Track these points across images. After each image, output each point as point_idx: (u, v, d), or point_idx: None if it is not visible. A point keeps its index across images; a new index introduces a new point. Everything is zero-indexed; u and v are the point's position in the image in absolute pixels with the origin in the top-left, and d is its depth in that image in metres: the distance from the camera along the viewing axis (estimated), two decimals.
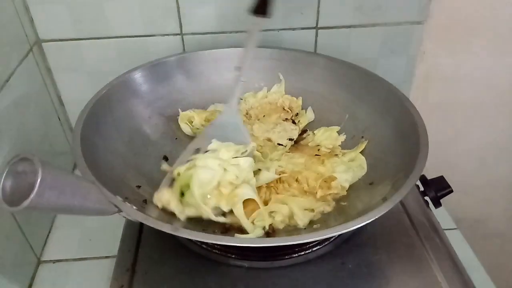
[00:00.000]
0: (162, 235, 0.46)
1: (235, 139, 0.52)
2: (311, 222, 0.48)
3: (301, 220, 0.47)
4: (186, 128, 0.60)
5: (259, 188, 0.52)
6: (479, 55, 0.75)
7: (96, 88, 0.55)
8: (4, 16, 0.55)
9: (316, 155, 0.57)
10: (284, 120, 0.62)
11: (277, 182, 0.53)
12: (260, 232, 0.46)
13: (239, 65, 0.53)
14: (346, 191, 0.52)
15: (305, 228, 0.47)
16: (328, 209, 0.50)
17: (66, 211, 0.36)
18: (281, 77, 0.65)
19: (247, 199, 0.48)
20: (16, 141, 0.54)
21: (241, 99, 0.65)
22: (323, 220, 0.48)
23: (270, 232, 0.47)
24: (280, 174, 0.53)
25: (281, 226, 0.47)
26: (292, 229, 0.47)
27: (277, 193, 0.51)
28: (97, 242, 0.60)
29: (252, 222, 0.47)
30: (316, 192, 0.51)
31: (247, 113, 0.64)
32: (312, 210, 0.49)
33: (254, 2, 0.49)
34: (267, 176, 0.52)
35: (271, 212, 0.48)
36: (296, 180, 0.53)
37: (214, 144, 0.52)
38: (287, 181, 0.53)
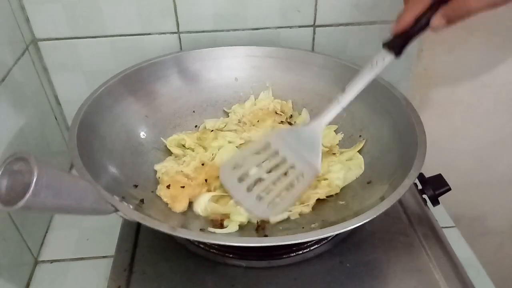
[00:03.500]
0: (159, 235, 0.46)
1: (304, 156, 0.46)
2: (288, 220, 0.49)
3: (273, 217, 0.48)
4: (176, 151, 0.58)
5: None
6: (477, 53, 0.75)
7: (93, 87, 0.55)
8: (0, 15, 0.55)
9: None
10: (279, 123, 0.62)
11: None
12: (236, 227, 0.47)
13: (346, 89, 0.47)
14: (345, 190, 0.52)
15: (303, 227, 0.47)
16: (305, 210, 0.50)
17: (63, 211, 0.36)
18: (268, 84, 0.65)
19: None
20: (13, 141, 0.54)
21: (230, 112, 0.64)
22: (321, 219, 0.48)
23: (261, 230, 0.47)
24: None
25: (254, 221, 0.48)
26: (289, 229, 0.47)
27: None
28: (94, 242, 0.59)
29: (228, 217, 0.48)
30: None
31: (239, 122, 0.63)
32: (289, 211, 0.49)
33: (392, 38, 0.46)
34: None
35: None
36: None
37: None
38: None
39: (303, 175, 0.45)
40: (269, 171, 0.46)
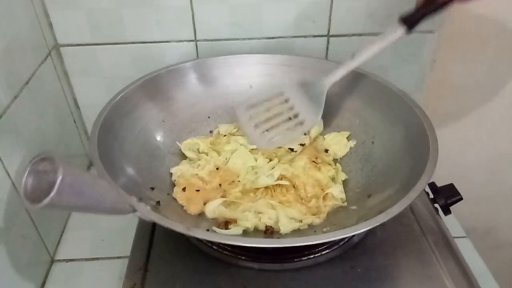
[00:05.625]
0: (174, 236, 0.47)
1: (309, 106, 0.54)
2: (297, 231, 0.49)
3: (284, 226, 0.48)
4: (191, 155, 0.59)
5: (257, 188, 0.54)
6: (490, 64, 0.75)
7: (111, 92, 0.56)
8: (25, 21, 0.57)
9: (313, 161, 0.58)
10: None
11: (275, 185, 0.54)
12: (239, 231, 0.48)
13: (355, 55, 0.52)
14: (357, 195, 0.53)
15: (315, 231, 0.47)
16: (317, 221, 0.50)
17: (84, 209, 0.37)
18: None
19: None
20: (34, 143, 0.55)
21: None
22: (333, 223, 0.49)
23: (269, 234, 0.48)
24: (281, 179, 0.54)
25: (261, 227, 0.49)
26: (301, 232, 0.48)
27: (272, 196, 0.53)
28: (109, 243, 0.61)
29: (235, 221, 0.49)
30: (310, 201, 0.52)
31: None
32: (300, 221, 0.50)
33: (409, 13, 0.48)
34: (265, 181, 0.53)
35: (259, 212, 0.50)
36: (294, 186, 0.54)
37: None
38: (285, 185, 0.54)
39: (303, 123, 0.54)
40: (277, 115, 0.55)
